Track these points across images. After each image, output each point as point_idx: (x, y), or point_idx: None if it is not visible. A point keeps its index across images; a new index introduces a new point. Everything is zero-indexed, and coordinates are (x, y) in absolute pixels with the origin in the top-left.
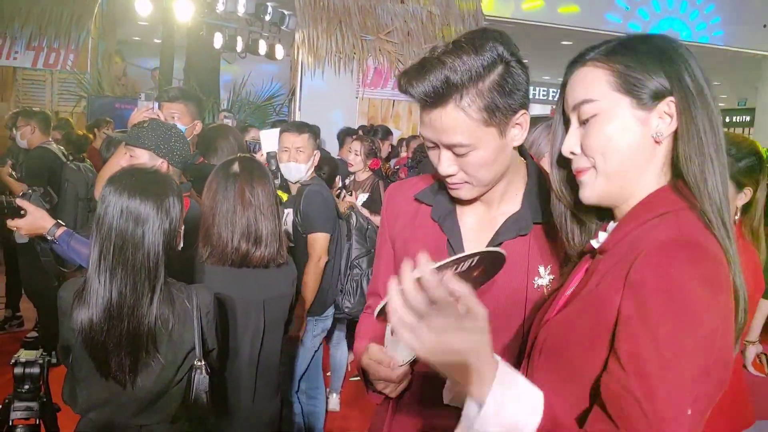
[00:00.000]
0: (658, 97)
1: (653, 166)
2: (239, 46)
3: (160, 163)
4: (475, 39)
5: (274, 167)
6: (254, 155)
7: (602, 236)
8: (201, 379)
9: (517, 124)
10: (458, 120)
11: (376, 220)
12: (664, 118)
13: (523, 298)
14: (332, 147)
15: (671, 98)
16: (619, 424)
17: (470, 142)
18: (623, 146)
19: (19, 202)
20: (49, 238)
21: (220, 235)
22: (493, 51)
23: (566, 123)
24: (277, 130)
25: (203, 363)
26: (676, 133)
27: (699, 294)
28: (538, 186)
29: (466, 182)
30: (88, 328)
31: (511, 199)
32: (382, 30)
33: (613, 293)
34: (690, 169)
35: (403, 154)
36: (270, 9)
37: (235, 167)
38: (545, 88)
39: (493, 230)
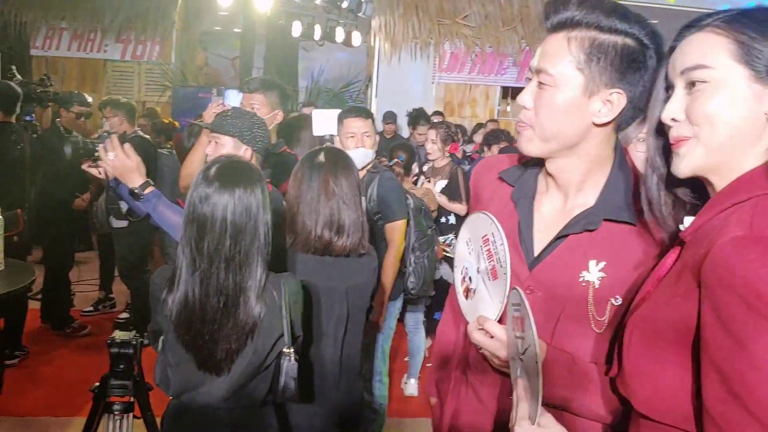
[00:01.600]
0: None
1: (759, 147)
2: (317, 34)
3: (244, 150)
4: (627, 10)
5: None
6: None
7: (687, 221)
8: (290, 365)
9: (607, 100)
10: (560, 48)
11: (454, 207)
12: None
13: (566, 291)
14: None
15: None
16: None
17: (554, 74)
18: (733, 119)
19: (126, 148)
20: (137, 191)
21: (303, 223)
22: (633, 27)
23: (667, 90)
24: (333, 111)
25: (292, 350)
26: None
27: None
28: (620, 182)
29: (530, 126)
30: (199, 319)
31: (589, 191)
32: (459, 14)
33: (690, 290)
34: None
35: (479, 141)
36: None
37: (321, 157)
38: None
39: (564, 222)
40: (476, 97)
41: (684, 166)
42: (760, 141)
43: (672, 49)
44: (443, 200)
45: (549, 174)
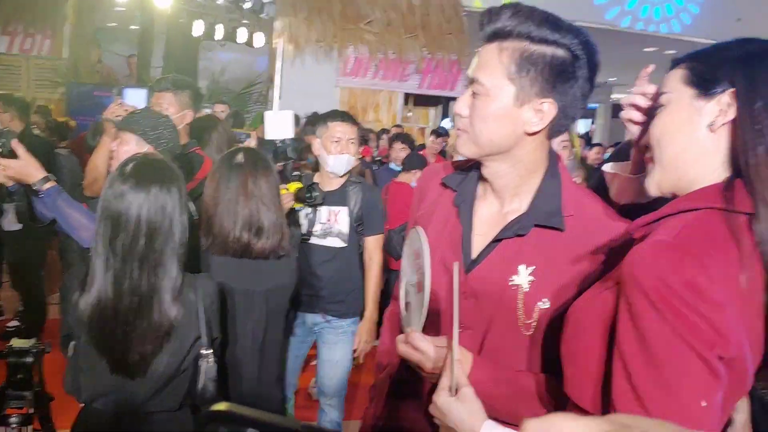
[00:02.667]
0: (718, 87)
1: (710, 159)
2: (219, 34)
3: (147, 149)
4: (560, 20)
5: (292, 155)
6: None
7: None
8: (208, 367)
9: (538, 110)
10: (491, 58)
11: None
12: (723, 108)
13: (497, 295)
14: None
15: (733, 89)
16: None
17: (487, 84)
18: (676, 135)
19: (14, 144)
20: (35, 188)
21: (221, 224)
22: (564, 37)
23: None
24: (287, 113)
25: (210, 351)
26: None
27: (678, 294)
28: (551, 188)
29: (466, 131)
30: (112, 320)
31: (523, 196)
32: (363, 19)
33: (613, 286)
34: (743, 162)
35: (384, 145)
36: None
37: (239, 158)
38: None
39: (500, 227)
40: (380, 102)
41: (648, 183)
42: (712, 155)
43: None
44: None
45: (485, 179)
